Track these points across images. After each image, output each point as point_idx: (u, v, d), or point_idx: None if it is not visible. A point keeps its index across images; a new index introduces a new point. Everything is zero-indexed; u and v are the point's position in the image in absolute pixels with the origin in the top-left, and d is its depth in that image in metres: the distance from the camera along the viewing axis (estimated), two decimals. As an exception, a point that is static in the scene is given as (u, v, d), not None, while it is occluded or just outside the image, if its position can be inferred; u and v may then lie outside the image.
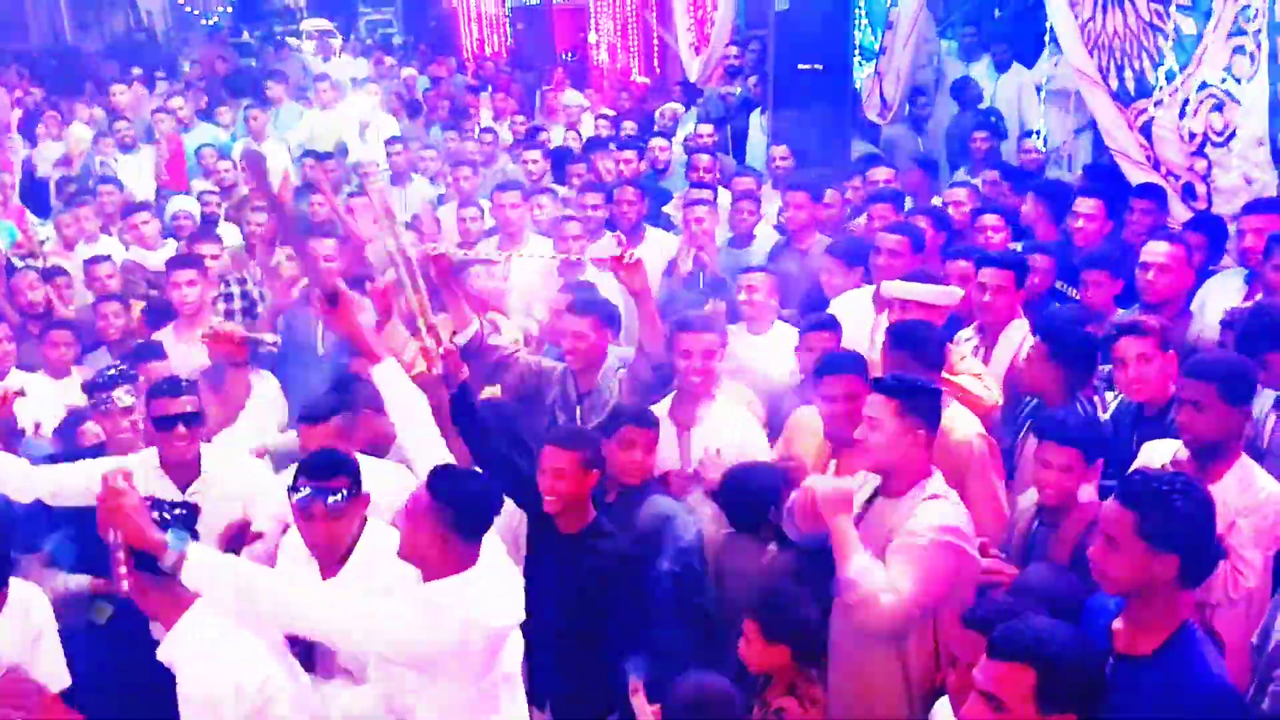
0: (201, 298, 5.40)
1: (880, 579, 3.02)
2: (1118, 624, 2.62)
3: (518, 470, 3.63)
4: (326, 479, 3.13)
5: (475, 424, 3.66)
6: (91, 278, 6.03)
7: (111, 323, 5.46)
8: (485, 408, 3.95)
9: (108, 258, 6.25)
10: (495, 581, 2.94)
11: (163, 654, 2.77)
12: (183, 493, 3.87)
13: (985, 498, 3.68)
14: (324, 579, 3.20)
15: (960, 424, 3.75)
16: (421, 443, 3.40)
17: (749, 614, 3.23)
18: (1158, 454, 3.53)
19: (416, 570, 2.92)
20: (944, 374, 3.96)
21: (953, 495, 3.29)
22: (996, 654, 2.33)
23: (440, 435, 3.46)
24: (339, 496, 3.13)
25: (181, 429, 3.84)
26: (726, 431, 4.05)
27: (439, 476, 2.92)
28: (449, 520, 2.84)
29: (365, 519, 3.29)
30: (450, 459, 3.29)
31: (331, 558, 3.21)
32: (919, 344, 3.89)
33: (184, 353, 5.20)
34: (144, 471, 3.85)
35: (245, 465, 4.14)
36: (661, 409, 4.12)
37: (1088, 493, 3.48)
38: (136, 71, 13.29)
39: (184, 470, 3.91)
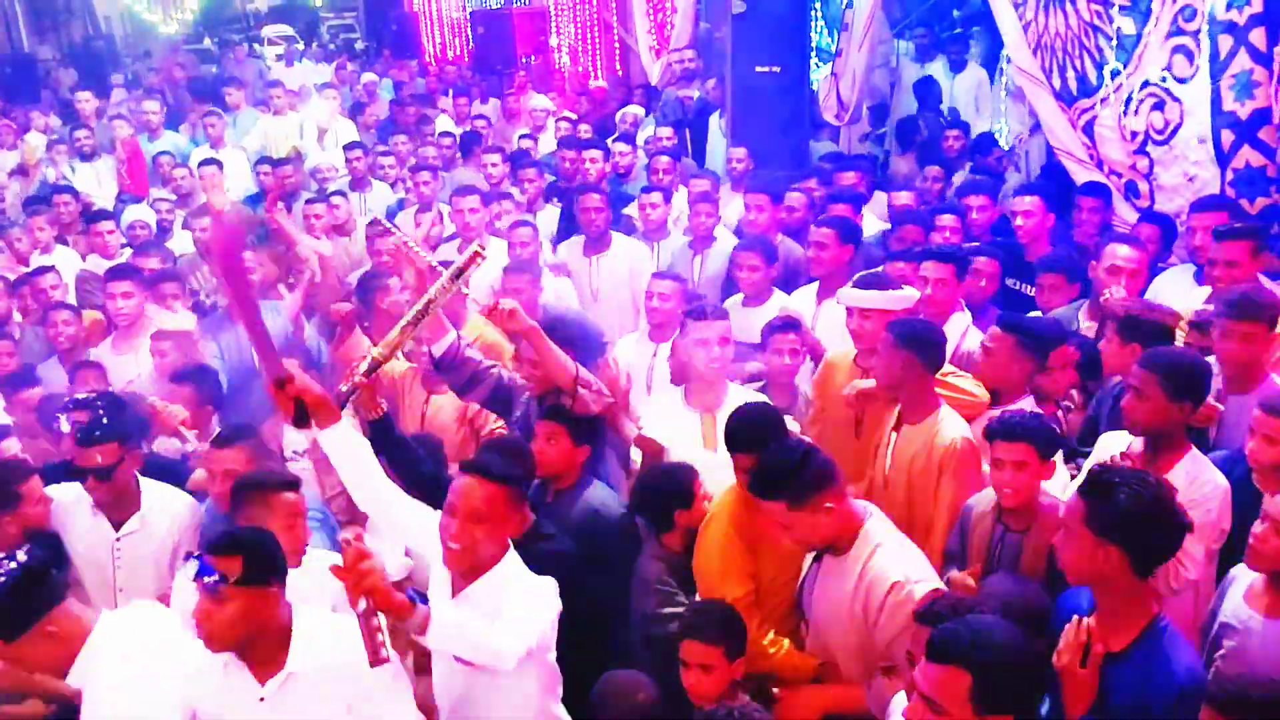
0: (138, 309, 5.40)
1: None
2: (1091, 621, 2.65)
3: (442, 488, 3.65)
4: (216, 554, 2.73)
5: (398, 450, 3.66)
6: (36, 289, 6.00)
7: (62, 331, 5.43)
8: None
9: (51, 268, 6.23)
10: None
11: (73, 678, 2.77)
12: (116, 529, 3.91)
13: (948, 502, 3.70)
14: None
15: (947, 427, 3.79)
16: (378, 501, 3.15)
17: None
18: (1113, 444, 3.62)
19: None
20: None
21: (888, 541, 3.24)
22: (933, 656, 2.32)
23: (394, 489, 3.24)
24: (217, 579, 2.68)
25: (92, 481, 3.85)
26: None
27: (487, 461, 3.06)
28: (514, 500, 2.99)
29: (288, 607, 2.87)
30: (414, 508, 3.16)
31: (211, 642, 2.73)
32: (924, 345, 3.87)
33: (122, 364, 5.25)
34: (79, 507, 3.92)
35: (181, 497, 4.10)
36: (677, 400, 4.19)
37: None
38: (117, 79, 13.15)
39: (120, 506, 3.92)
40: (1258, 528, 2.95)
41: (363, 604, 2.49)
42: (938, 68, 9.64)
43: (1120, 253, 4.70)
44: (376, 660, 2.49)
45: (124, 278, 5.48)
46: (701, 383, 4.17)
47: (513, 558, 3.01)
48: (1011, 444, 3.35)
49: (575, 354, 4.06)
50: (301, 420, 3.03)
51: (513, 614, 2.83)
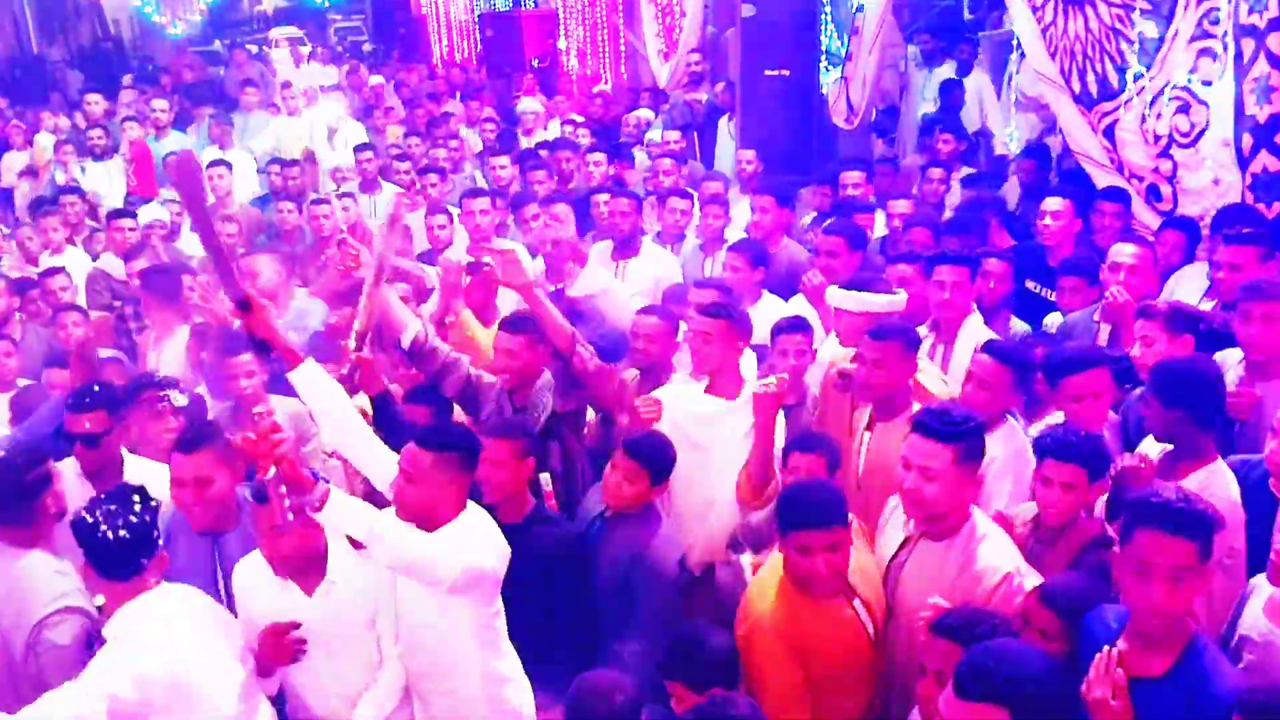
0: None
1: None
2: (1122, 644, 2.56)
3: None
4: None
5: (398, 426, 3.75)
6: (45, 290, 5.98)
7: (71, 332, 5.39)
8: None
9: (61, 269, 6.21)
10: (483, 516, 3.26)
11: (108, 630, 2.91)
12: None
13: None
14: None
15: None
16: (350, 439, 3.42)
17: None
18: (1153, 452, 3.54)
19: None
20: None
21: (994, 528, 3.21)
22: (967, 695, 2.26)
23: (368, 430, 3.50)
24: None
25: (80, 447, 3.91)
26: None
27: (433, 433, 3.23)
28: (457, 464, 3.15)
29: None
30: (384, 451, 3.39)
31: (282, 565, 3.24)
32: (904, 333, 3.90)
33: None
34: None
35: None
36: (697, 389, 4.16)
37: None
38: (126, 80, 13.13)
39: (105, 477, 3.90)
40: (1278, 542, 2.87)
41: (272, 471, 2.80)
42: (944, 73, 9.60)
43: (1124, 250, 4.67)
44: (279, 519, 2.92)
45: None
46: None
47: (469, 518, 3.20)
48: (1063, 464, 3.25)
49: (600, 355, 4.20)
50: (262, 348, 3.37)
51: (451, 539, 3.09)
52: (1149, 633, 2.54)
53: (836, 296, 4.50)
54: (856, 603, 3.05)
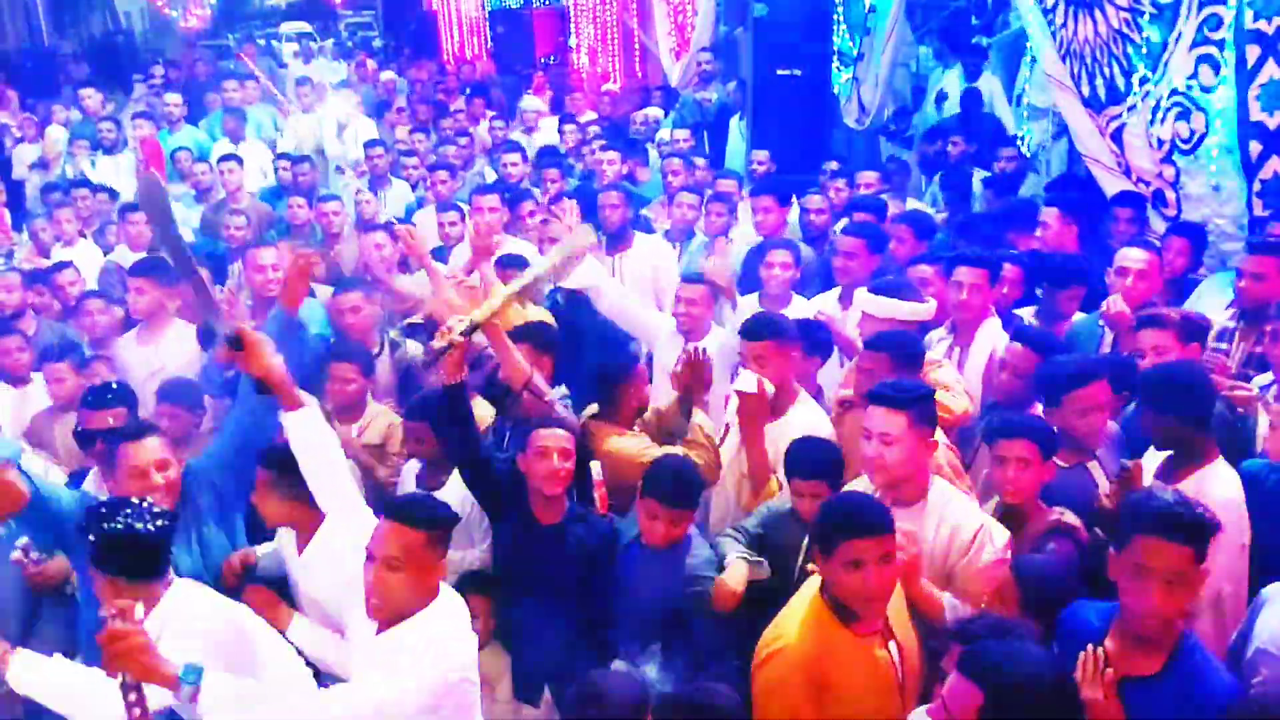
0: (154, 305, 5.35)
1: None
2: (1110, 643, 2.59)
3: (498, 467, 3.69)
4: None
5: (459, 423, 3.58)
6: (55, 285, 6.02)
7: (96, 320, 5.44)
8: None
9: (70, 264, 6.24)
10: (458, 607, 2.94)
11: None
12: None
13: None
14: None
15: None
16: (333, 494, 3.23)
17: None
18: (1153, 463, 3.57)
19: None
20: None
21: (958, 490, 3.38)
22: (960, 667, 2.35)
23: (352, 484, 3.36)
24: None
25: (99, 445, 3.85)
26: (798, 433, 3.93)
27: (417, 507, 2.88)
28: (432, 542, 2.81)
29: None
30: (364, 509, 3.24)
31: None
32: (897, 347, 3.91)
33: (145, 356, 5.24)
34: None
35: None
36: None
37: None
38: (138, 77, 13.15)
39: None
40: None
41: (122, 676, 2.48)
42: (954, 75, 9.60)
43: (1130, 255, 4.69)
44: None
45: (142, 274, 5.48)
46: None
47: (441, 608, 2.87)
48: (1013, 441, 3.38)
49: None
50: (260, 388, 3.13)
51: (380, 677, 2.75)
52: (1142, 634, 2.56)
53: (863, 300, 4.47)
54: (892, 645, 2.84)
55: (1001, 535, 3.22)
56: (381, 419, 4.66)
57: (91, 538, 2.83)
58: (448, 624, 2.87)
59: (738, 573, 3.37)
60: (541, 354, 4.29)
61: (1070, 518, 3.39)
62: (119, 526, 2.81)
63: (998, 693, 2.26)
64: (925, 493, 3.27)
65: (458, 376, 3.50)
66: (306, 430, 3.17)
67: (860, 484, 3.46)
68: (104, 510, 2.87)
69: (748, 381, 3.79)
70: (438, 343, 3.43)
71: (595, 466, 3.87)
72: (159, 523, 2.86)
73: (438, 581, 2.89)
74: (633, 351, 5.22)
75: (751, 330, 4.07)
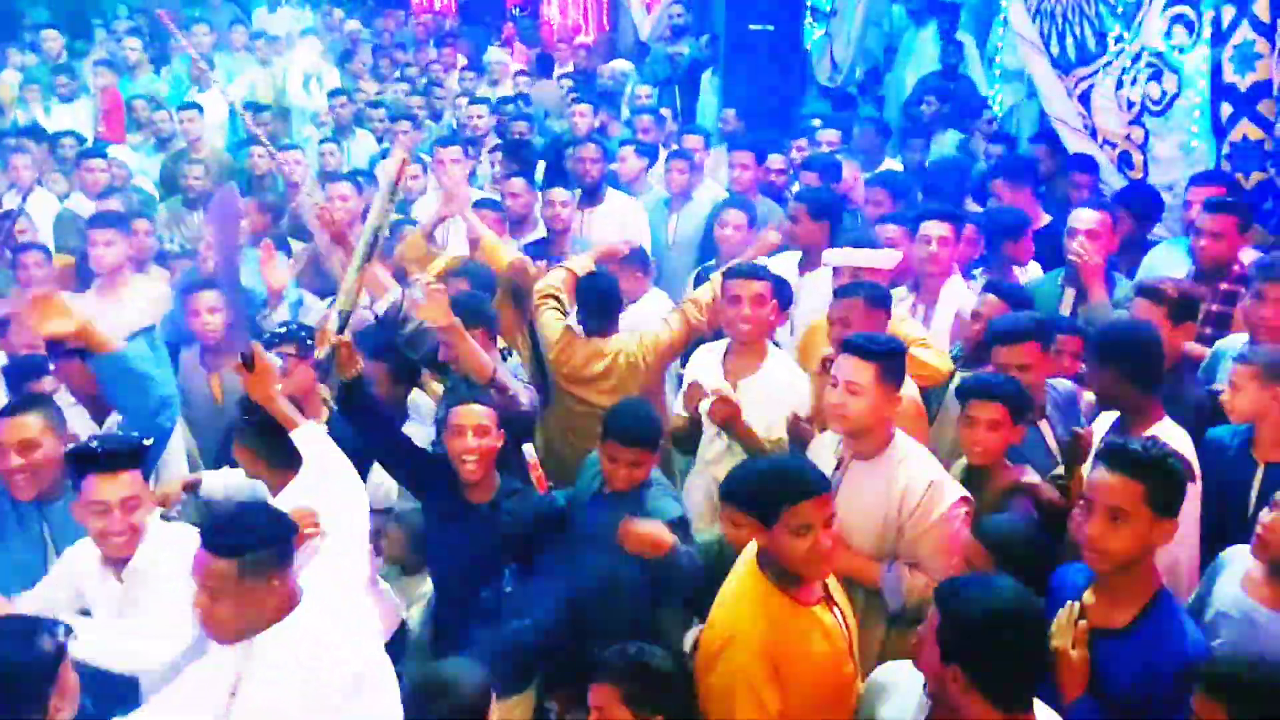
0: (120, 258, 5.27)
1: (919, 583, 3.11)
2: (1089, 597, 2.59)
3: (415, 451, 3.65)
4: None
5: (366, 412, 3.55)
6: (5, 233, 5.83)
7: (32, 274, 5.23)
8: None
9: (21, 211, 6.03)
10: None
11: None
12: (99, 426, 3.88)
13: None
14: None
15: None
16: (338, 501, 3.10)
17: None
18: (1105, 423, 3.56)
19: None
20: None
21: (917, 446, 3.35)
22: (936, 597, 2.37)
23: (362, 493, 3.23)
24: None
25: None
26: (773, 387, 3.99)
27: (216, 532, 2.56)
28: (247, 569, 2.49)
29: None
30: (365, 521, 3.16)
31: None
32: (869, 289, 3.94)
33: (104, 311, 5.08)
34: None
35: None
36: (715, 356, 4.15)
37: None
38: (98, 22, 12.79)
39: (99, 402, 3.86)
40: (1266, 516, 2.79)
41: None
42: (928, 34, 9.50)
43: (1083, 215, 4.66)
44: None
45: (107, 226, 5.34)
46: (732, 345, 4.14)
47: (295, 620, 2.59)
48: (986, 403, 3.40)
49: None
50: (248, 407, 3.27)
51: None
52: (1108, 584, 2.56)
53: (836, 255, 4.47)
54: (836, 610, 2.82)
55: (952, 494, 3.19)
56: None
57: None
58: (316, 628, 2.60)
59: (656, 526, 3.25)
60: (473, 328, 3.93)
61: (1032, 476, 3.41)
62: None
63: (949, 616, 2.27)
64: (885, 446, 3.26)
65: (354, 371, 3.49)
66: (313, 442, 3.21)
67: (827, 439, 3.45)
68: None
69: (706, 403, 3.86)
70: (320, 353, 3.47)
71: (528, 449, 3.78)
72: None
73: (289, 591, 2.59)
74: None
75: (737, 270, 4.11)
